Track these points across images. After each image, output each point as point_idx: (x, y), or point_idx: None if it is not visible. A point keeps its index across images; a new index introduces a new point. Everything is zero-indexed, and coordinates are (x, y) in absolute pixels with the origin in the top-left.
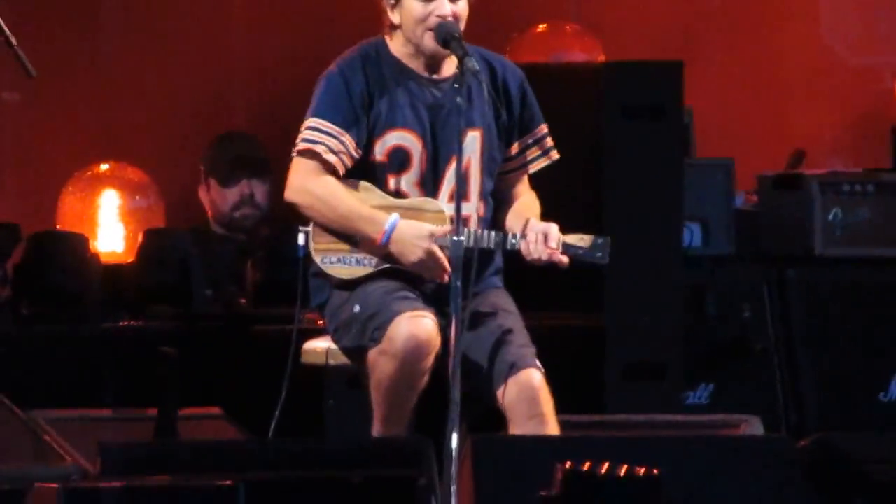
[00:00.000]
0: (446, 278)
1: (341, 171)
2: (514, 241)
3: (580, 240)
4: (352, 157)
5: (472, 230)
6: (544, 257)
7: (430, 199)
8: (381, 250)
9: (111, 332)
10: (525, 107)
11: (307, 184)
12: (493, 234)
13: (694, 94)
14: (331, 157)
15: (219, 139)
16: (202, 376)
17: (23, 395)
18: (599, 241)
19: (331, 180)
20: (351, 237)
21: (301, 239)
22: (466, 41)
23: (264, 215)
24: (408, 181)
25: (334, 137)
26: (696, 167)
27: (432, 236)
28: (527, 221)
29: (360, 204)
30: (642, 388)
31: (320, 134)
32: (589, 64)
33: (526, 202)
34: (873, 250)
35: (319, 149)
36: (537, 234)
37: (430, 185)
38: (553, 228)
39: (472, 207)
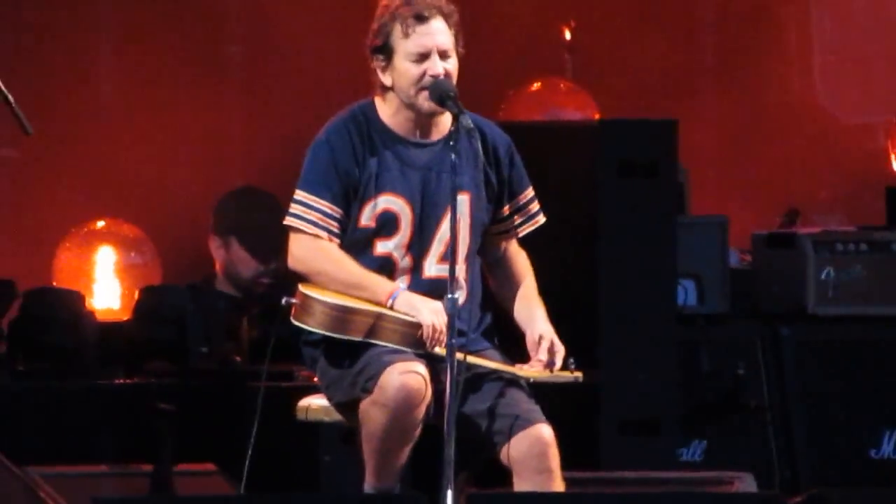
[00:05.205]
0: (438, 349)
1: (337, 234)
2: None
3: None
4: (341, 223)
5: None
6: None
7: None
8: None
9: (107, 389)
10: (513, 171)
11: (308, 259)
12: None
13: (688, 152)
14: (322, 233)
15: (240, 194)
16: (197, 432)
17: (19, 451)
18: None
19: (329, 248)
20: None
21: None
22: (460, 101)
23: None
24: (396, 245)
25: (320, 212)
26: (691, 225)
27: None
28: (540, 340)
29: (363, 269)
30: (637, 444)
31: (307, 209)
32: (584, 122)
33: (521, 271)
34: (866, 308)
35: (307, 227)
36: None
37: (417, 248)
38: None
39: (459, 270)
